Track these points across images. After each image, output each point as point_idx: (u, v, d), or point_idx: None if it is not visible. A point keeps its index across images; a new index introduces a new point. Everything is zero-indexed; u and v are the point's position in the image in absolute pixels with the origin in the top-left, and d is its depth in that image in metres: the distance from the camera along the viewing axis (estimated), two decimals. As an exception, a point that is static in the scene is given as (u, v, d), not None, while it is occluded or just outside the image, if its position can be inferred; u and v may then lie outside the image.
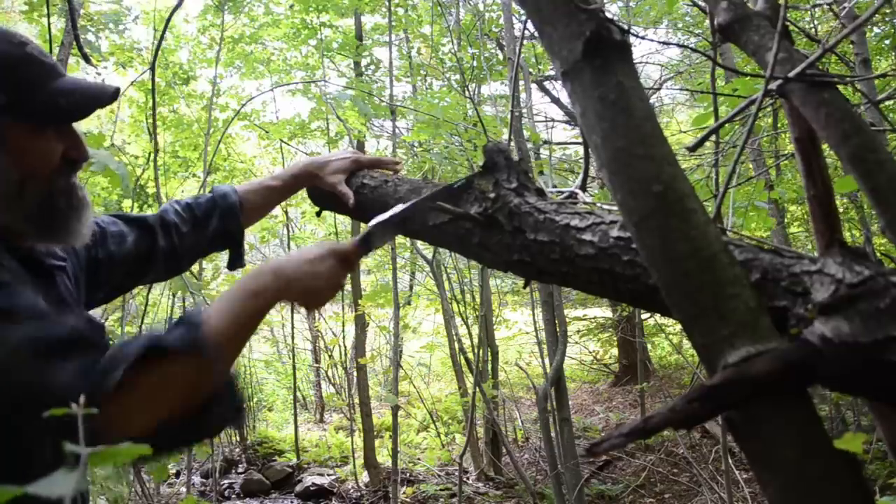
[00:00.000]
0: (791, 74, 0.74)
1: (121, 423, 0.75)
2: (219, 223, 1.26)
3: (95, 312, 1.33)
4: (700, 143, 0.85)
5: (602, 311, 10.09)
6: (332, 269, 0.98)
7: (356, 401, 6.69)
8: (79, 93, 0.93)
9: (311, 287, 0.96)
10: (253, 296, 0.90)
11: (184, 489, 5.98)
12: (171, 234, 1.23)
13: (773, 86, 0.77)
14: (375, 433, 6.85)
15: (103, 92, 0.95)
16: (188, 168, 7.28)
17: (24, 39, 0.92)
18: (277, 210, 6.38)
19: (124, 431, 0.73)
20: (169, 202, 1.28)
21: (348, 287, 6.59)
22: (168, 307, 5.25)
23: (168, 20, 1.78)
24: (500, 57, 6.73)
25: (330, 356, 9.11)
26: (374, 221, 1.06)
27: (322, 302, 1.00)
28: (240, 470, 7.18)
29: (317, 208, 1.40)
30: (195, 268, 4.60)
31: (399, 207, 1.07)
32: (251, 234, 6.11)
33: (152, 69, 1.73)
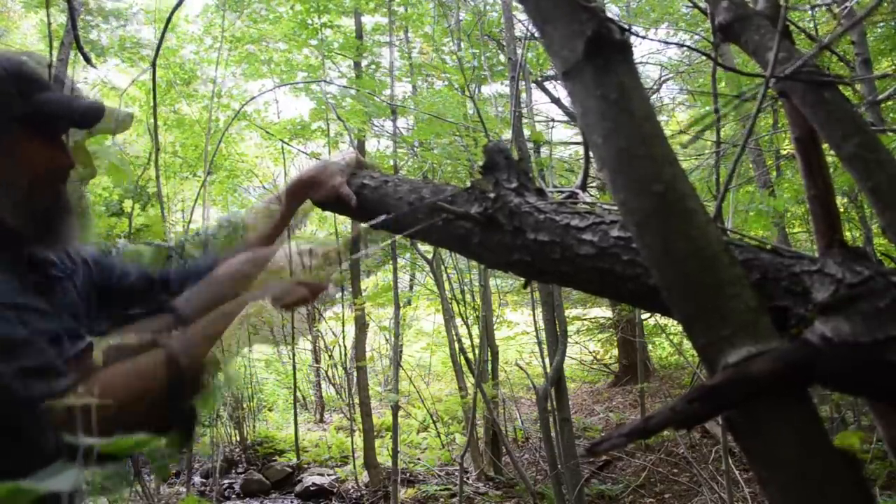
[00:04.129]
0: (787, 71, 0.74)
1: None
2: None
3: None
4: (692, 141, 0.85)
5: (602, 311, 10.09)
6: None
7: (356, 401, 6.68)
8: (64, 104, 0.97)
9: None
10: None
11: (184, 489, 5.98)
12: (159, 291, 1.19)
13: (773, 85, 0.77)
14: (375, 433, 6.85)
15: (90, 107, 0.98)
16: (189, 168, 7.28)
17: (20, 59, 0.98)
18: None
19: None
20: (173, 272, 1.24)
21: (349, 287, 6.59)
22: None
23: (169, 19, 1.78)
24: (502, 58, 6.73)
25: (330, 356, 9.12)
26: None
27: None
28: (240, 470, 7.18)
29: (317, 209, 1.40)
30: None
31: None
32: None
33: (153, 67, 1.72)
